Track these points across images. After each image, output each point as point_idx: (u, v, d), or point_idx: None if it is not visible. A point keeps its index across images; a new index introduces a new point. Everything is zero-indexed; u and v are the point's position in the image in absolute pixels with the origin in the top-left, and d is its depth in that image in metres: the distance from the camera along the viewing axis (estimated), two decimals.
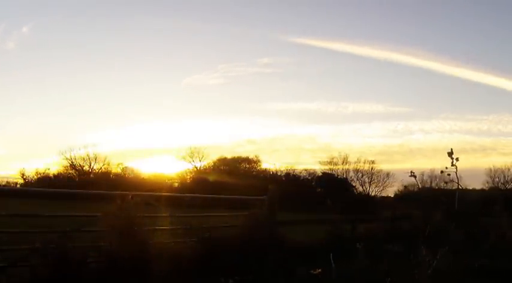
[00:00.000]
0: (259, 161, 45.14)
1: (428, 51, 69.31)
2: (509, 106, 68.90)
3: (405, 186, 41.39)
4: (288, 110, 65.78)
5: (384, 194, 44.58)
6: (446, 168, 6.03)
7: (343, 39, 66.45)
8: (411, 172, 7.13)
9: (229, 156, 45.72)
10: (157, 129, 66.79)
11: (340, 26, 64.22)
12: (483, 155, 53.22)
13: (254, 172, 43.43)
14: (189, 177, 44.46)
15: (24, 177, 43.75)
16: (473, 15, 59.68)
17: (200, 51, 66.33)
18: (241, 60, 68.73)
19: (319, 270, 5.71)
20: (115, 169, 43.98)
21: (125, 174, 43.69)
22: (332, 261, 5.91)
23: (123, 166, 44.22)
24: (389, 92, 66.14)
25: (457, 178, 6.07)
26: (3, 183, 41.95)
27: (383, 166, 44.82)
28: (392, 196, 44.18)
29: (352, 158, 44.40)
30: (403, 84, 64.19)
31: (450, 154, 5.93)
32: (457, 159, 5.86)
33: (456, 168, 5.99)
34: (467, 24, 61.53)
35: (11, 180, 43.70)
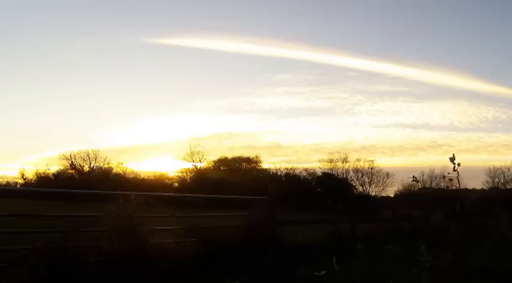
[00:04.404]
0: (259, 161, 45.21)
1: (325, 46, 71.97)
2: (431, 95, 68.07)
3: (408, 185, 41.34)
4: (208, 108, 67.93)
5: (384, 194, 44.62)
6: (448, 173, 6.07)
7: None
8: (413, 177, 7.12)
9: (229, 156, 45.82)
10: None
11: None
12: (443, 152, 52.62)
13: (254, 172, 43.41)
14: (189, 177, 44.47)
15: (24, 177, 43.85)
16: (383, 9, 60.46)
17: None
18: None
19: (324, 272, 5.67)
20: (115, 168, 44.10)
21: (125, 174, 43.76)
22: (335, 263, 5.88)
23: (123, 165, 44.33)
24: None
25: (459, 183, 6.07)
26: (4, 183, 42.11)
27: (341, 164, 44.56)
28: (392, 196, 44.22)
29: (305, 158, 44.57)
30: (317, 79, 64.83)
31: (452, 159, 5.94)
32: (458, 165, 5.89)
33: (458, 173, 6.00)
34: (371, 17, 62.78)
35: (10, 180, 43.86)
